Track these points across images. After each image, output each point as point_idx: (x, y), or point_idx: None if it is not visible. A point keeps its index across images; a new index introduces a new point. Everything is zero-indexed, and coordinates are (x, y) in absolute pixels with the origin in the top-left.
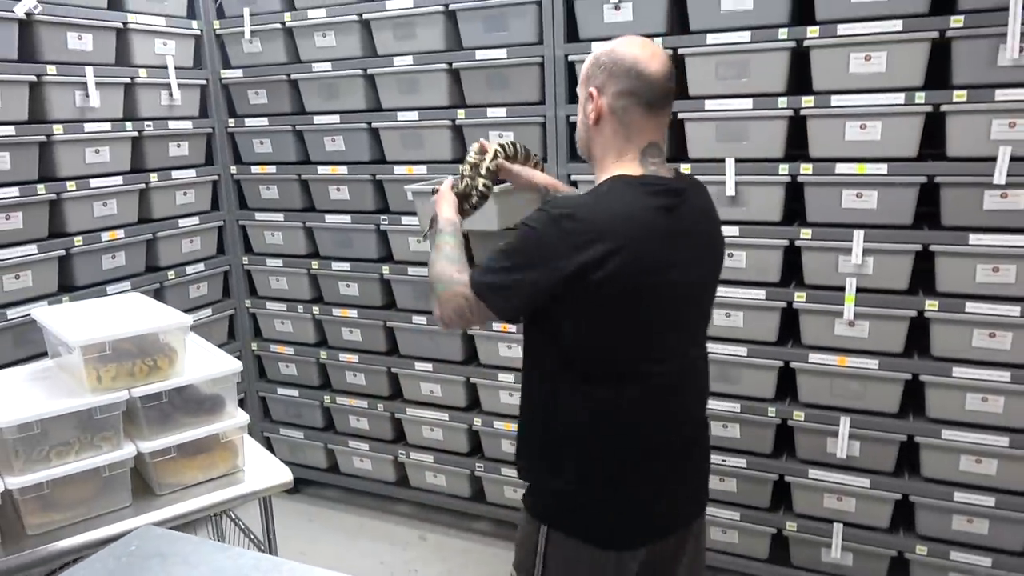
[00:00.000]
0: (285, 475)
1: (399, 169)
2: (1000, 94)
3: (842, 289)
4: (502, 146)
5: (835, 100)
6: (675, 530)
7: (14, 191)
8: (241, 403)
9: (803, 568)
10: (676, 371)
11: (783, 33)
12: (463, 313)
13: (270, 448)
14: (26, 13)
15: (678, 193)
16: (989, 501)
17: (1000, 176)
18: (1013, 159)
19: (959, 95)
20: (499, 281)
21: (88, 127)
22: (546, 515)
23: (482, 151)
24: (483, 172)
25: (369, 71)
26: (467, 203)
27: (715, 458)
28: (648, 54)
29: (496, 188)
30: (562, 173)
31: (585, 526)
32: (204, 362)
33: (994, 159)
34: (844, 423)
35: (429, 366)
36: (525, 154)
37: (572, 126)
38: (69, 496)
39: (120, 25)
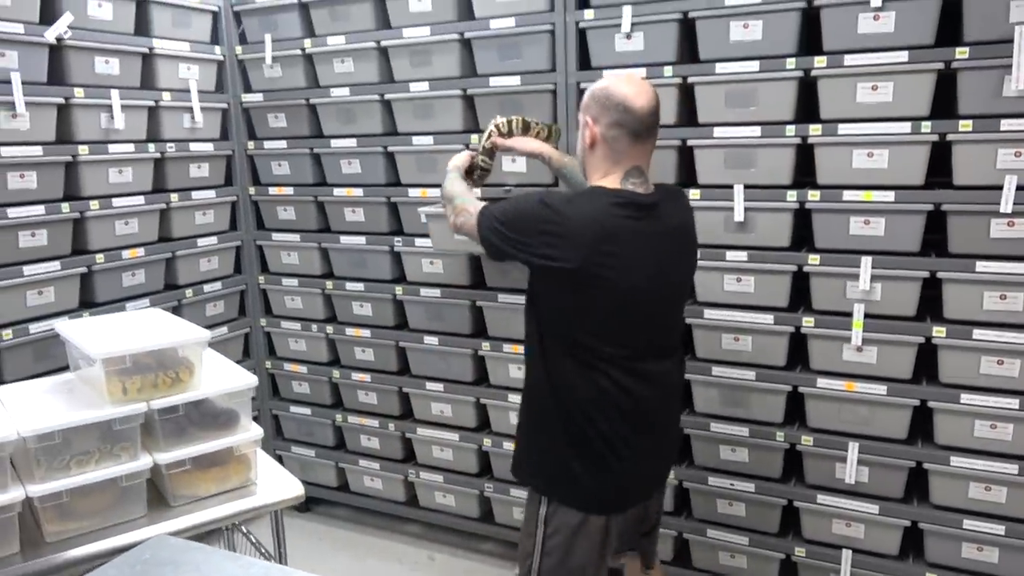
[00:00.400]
0: (296, 489)
1: (413, 192)
2: (1005, 124)
3: (850, 315)
4: (497, 125)
5: (842, 129)
6: (650, 495)
7: (40, 209)
8: (254, 420)
9: None
10: (641, 357)
11: (791, 63)
12: (469, 229)
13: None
14: (56, 38)
15: (646, 207)
16: (999, 529)
17: (1007, 205)
18: (1019, 188)
19: (965, 125)
20: (495, 227)
21: (112, 148)
22: (540, 487)
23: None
24: (480, 150)
25: (386, 96)
26: (471, 176)
27: (723, 481)
28: (635, 92)
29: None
30: None
31: (578, 496)
32: (220, 377)
33: (1000, 188)
34: (853, 448)
35: (440, 386)
36: (524, 126)
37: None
38: (87, 505)
39: (146, 50)
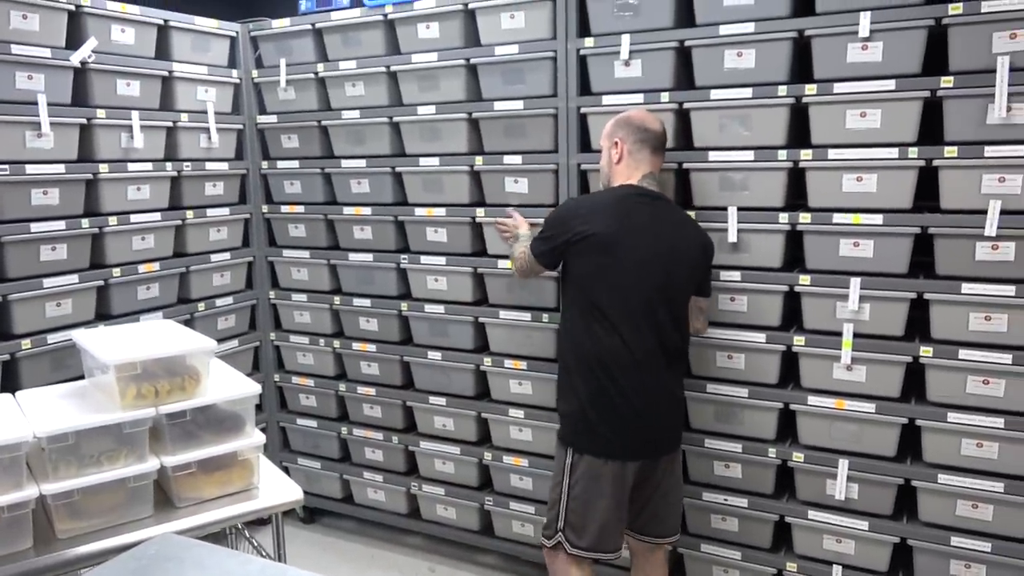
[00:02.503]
0: (296, 493)
1: (420, 211)
2: (989, 151)
3: (840, 334)
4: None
5: (832, 153)
6: (658, 455)
7: (60, 225)
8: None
9: None
10: (643, 326)
11: (783, 90)
12: (526, 263)
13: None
14: (81, 62)
15: (653, 196)
16: (986, 547)
17: (991, 228)
18: (1003, 212)
19: (950, 151)
20: (538, 240)
21: (131, 166)
22: (567, 439)
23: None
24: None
25: (394, 119)
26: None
27: (717, 496)
28: (651, 118)
29: None
30: None
31: (596, 444)
32: (226, 384)
33: (985, 212)
34: (843, 465)
35: (442, 400)
36: None
37: (583, 173)
38: (97, 504)
39: (166, 73)
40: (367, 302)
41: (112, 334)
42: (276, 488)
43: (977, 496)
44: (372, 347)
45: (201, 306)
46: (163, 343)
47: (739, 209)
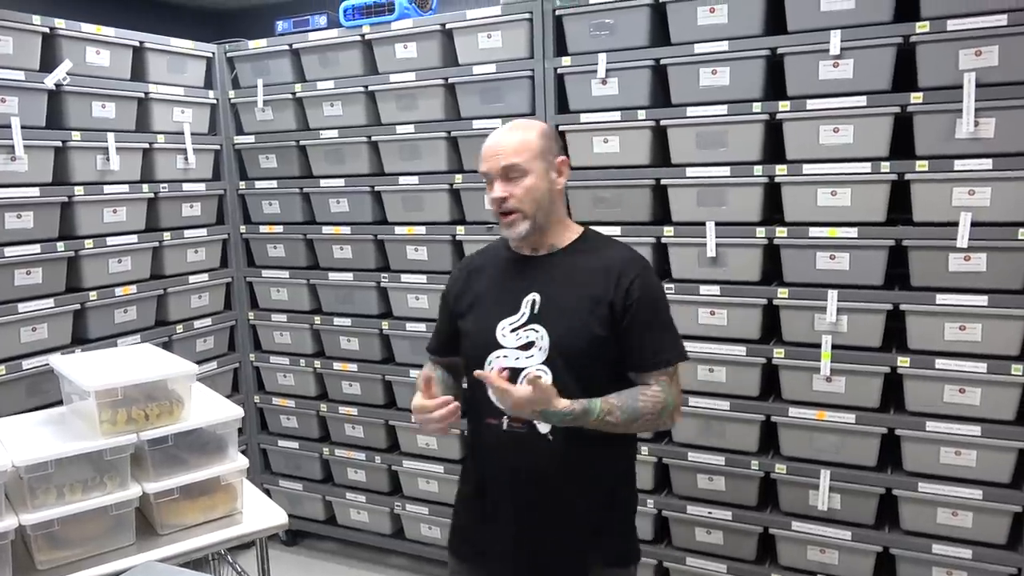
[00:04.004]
0: (281, 517)
1: (400, 230)
2: (959, 164)
3: (818, 346)
4: None
5: (807, 168)
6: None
7: (35, 248)
8: (242, 453)
9: None
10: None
11: (757, 107)
12: (674, 396)
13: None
14: (56, 84)
15: None
16: (966, 553)
17: (963, 240)
18: (974, 224)
19: (921, 165)
20: (680, 342)
21: (107, 189)
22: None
23: None
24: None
25: (373, 138)
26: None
27: (702, 510)
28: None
29: None
30: None
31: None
32: (208, 408)
33: (956, 224)
34: (824, 476)
35: None
36: None
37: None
38: (78, 533)
39: (142, 95)
40: (348, 321)
41: (91, 359)
42: (260, 512)
43: (957, 504)
44: (353, 367)
45: (179, 328)
46: (144, 368)
47: (717, 224)
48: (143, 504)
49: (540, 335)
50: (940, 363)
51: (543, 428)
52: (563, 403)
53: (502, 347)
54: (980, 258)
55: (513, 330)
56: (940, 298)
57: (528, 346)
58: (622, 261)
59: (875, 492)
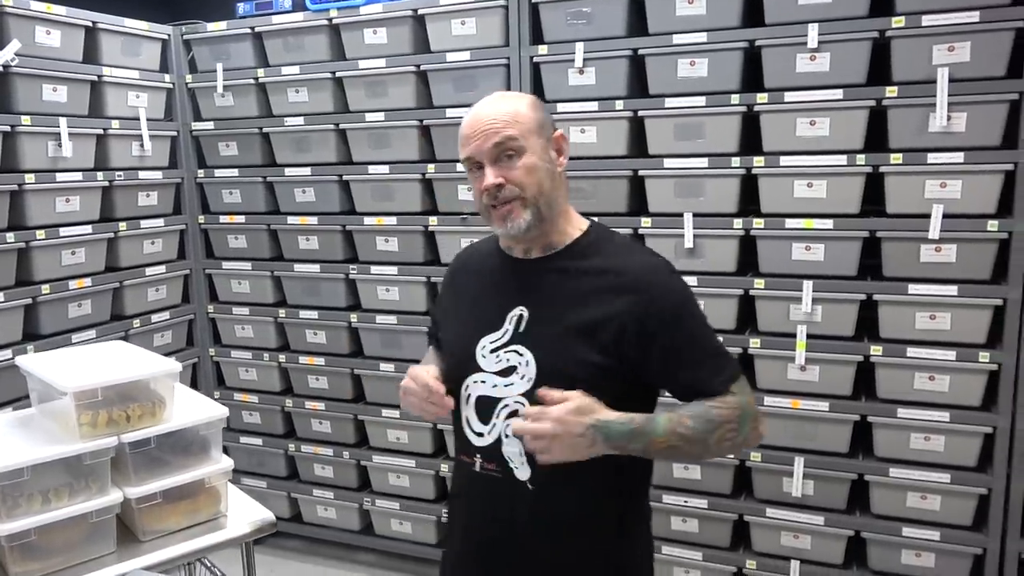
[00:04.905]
0: (266, 515)
1: (369, 220)
2: (931, 157)
3: (794, 336)
4: None
5: (784, 160)
6: None
7: None
8: None
9: None
10: None
11: (735, 98)
12: (749, 408)
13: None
14: (3, 65)
15: None
16: (935, 535)
17: (934, 231)
18: (946, 216)
19: (895, 158)
20: (737, 365)
21: (60, 176)
22: None
23: None
24: None
25: (341, 126)
26: None
27: (677, 499)
28: None
29: None
30: None
31: None
32: (190, 408)
33: (928, 216)
34: (798, 463)
35: (396, 413)
36: None
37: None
38: (56, 542)
39: (95, 78)
40: (314, 314)
41: (61, 357)
42: (244, 513)
43: (926, 488)
44: (320, 360)
45: (136, 323)
46: (122, 367)
47: (695, 215)
48: (123, 510)
49: (524, 359)
50: (911, 351)
51: (522, 474)
52: (613, 413)
53: (481, 370)
54: (951, 249)
55: (493, 350)
56: (912, 288)
57: (508, 371)
58: (637, 270)
59: (847, 478)
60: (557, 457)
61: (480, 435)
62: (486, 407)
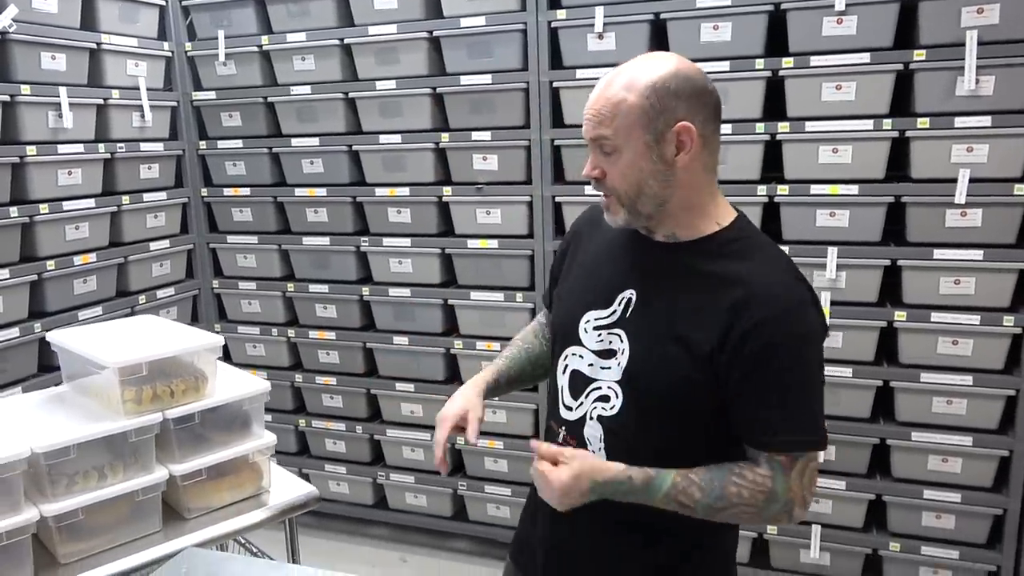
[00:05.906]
0: (310, 490)
1: (380, 191)
2: (959, 121)
3: None
4: None
5: (809, 126)
6: None
7: None
8: None
9: (783, 570)
10: None
11: (760, 63)
12: (805, 492)
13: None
14: (1, 31)
15: None
16: (955, 497)
17: (960, 196)
18: (971, 180)
19: (922, 122)
20: (822, 422)
21: (62, 148)
22: None
23: None
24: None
25: (350, 94)
26: None
27: None
28: (699, 68)
29: None
30: (547, 195)
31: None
32: (231, 382)
33: (954, 180)
34: None
35: (410, 386)
36: None
37: (556, 149)
38: (102, 522)
39: (93, 45)
40: (324, 288)
41: (94, 332)
42: (286, 488)
43: (947, 451)
44: (331, 335)
45: (142, 299)
46: (163, 341)
47: (718, 182)
48: (168, 487)
49: (623, 347)
50: (935, 316)
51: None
52: (615, 467)
53: (582, 344)
54: (976, 213)
55: (596, 328)
56: (937, 253)
57: (608, 354)
58: (757, 285)
59: (869, 443)
60: (552, 504)
61: (569, 408)
62: (579, 383)
